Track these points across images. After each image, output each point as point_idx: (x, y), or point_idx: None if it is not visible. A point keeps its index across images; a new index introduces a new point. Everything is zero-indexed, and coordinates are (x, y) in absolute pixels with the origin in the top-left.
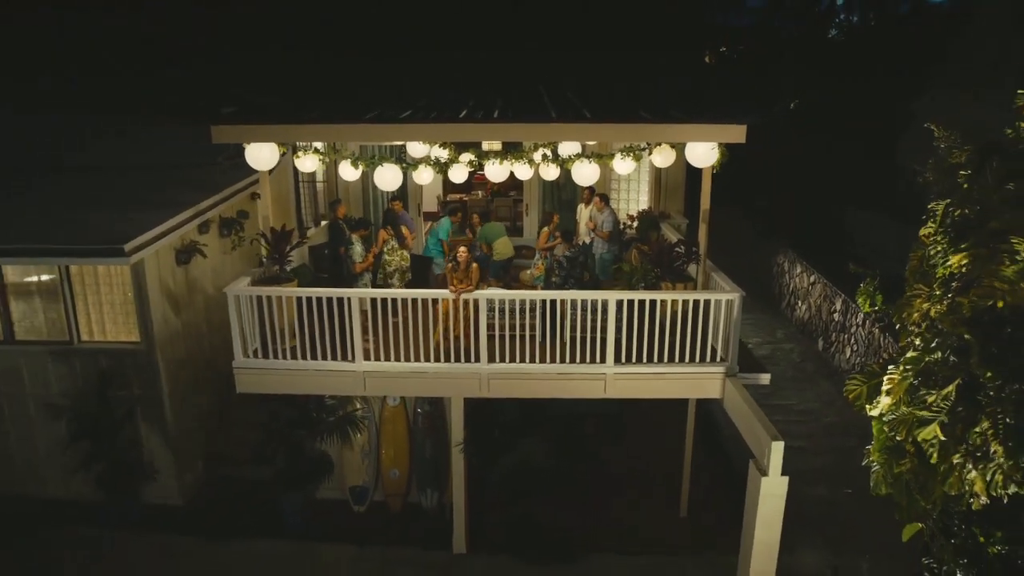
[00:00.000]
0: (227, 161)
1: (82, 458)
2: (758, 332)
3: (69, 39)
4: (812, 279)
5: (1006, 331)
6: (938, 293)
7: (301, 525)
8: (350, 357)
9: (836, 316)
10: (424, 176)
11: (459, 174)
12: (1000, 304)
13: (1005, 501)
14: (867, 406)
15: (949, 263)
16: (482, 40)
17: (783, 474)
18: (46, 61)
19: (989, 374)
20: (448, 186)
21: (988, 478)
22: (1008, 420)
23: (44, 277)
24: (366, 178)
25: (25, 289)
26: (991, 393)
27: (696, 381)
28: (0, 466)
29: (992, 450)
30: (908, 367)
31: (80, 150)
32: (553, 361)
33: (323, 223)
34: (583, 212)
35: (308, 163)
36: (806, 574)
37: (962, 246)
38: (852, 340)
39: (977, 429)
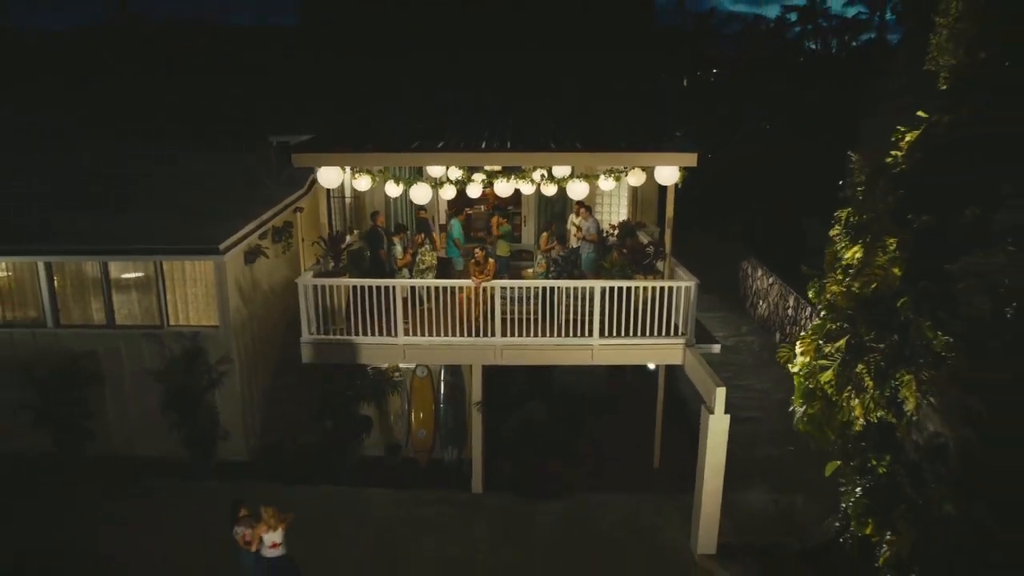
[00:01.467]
0: (272, 182)
1: (170, 422)
2: (725, 327)
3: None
4: (771, 280)
5: (881, 305)
6: (840, 278)
7: (347, 475)
8: (393, 333)
9: (790, 311)
10: (448, 192)
11: (474, 190)
12: (874, 285)
13: (875, 422)
14: (789, 365)
15: (846, 256)
16: (482, 40)
17: (726, 413)
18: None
19: (869, 334)
20: (453, 202)
21: (864, 405)
22: (881, 363)
23: (138, 274)
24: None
25: (124, 284)
26: (869, 346)
27: (662, 350)
28: (101, 432)
29: (866, 384)
30: (815, 332)
31: (140, 168)
32: (551, 336)
33: (355, 232)
34: (575, 221)
35: (363, 182)
36: (753, 508)
37: (859, 241)
38: (802, 331)
39: (857, 369)
